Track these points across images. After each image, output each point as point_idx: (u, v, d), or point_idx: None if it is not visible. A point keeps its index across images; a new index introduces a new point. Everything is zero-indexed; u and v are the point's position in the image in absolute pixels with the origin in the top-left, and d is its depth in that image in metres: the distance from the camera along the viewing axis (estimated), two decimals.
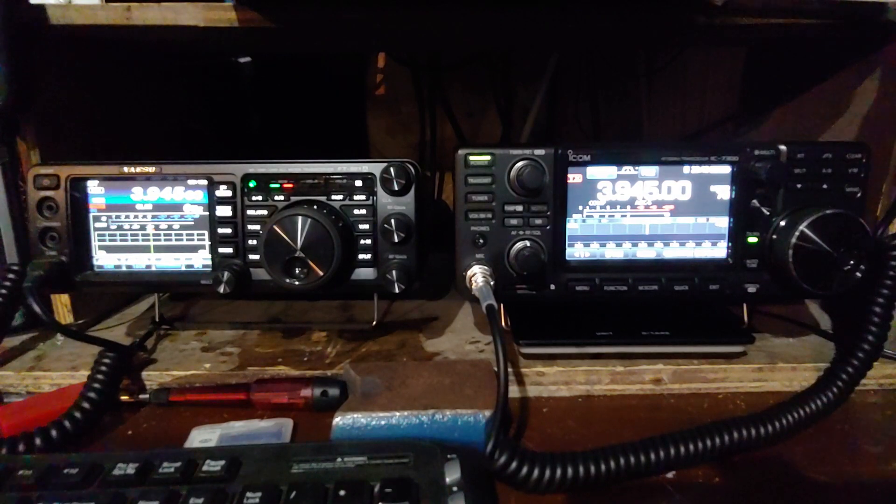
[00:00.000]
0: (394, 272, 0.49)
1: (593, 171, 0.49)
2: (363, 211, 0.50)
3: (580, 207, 0.49)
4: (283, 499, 0.32)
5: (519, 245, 0.48)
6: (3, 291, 0.50)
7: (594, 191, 0.49)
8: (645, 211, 0.50)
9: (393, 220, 0.49)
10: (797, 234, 0.46)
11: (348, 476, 0.33)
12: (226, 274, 0.49)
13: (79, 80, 0.60)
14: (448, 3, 0.51)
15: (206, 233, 0.52)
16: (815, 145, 0.48)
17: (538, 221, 0.49)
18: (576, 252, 0.50)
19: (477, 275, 0.48)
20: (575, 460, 0.37)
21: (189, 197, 0.51)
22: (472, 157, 0.48)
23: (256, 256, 0.50)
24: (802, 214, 0.47)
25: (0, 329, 0.51)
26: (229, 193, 0.50)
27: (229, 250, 0.51)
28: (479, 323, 0.60)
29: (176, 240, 0.52)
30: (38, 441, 0.41)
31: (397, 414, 0.40)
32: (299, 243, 0.47)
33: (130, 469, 0.34)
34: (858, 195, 0.48)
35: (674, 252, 0.50)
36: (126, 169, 0.51)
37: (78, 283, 0.51)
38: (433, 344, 0.55)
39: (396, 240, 0.49)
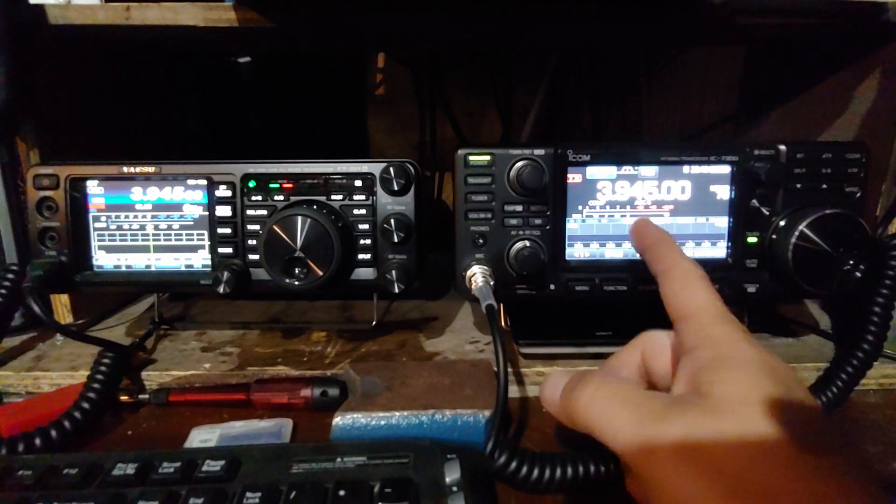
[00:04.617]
0: (393, 272, 0.49)
1: (593, 171, 0.49)
2: (363, 211, 0.50)
3: (580, 207, 0.49)
4: (282, 499, 0.32)
5: (519, 245, 0.48)
6: (3, 291, 0.50)
7: (594, 191, 0.49)
8: (644, 211, 0.50)
9: (393, 220, 0.49)
10: (797, 233, 0.46)
11: (348, 476, 0.33)
12: (225, 274, 0.49)
13: (79, 80, 0.60)
14: (448, 4, 0.51)
15: (205, 233, 0.51)
16: (814, 145, 0.48)
17: (538, 221, 0.49)
18: (575, 252, 0.50)
19: (477, 275, 0.48)
20: (574, 460, 0.37)
21: (189, 197, 0.51)
22: (471, 157, 0.48)
23: (256, 256, 0.50)
24: (802, 214, 0.47)
25: (0, 329, 0.51)
26: (229, 193, 0.50)
27: (229, 250, 0.51)
28: (479, 323, 0.60)
29: (176, 240, 0.52)
30: (37, 441, 0.41)
31: (397, 414, 0.40)
32: (299, 243, 0.47)
33: (130, 469, 0.34)
34: (858, 195, 0.48)
35: None
36: (126, 169, 0.51)
37: (78, 283, 0.51)
38: (433, 344, 0.55)
39: (396, 240, 0.49)
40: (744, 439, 0.25)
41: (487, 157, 0.48)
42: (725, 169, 0.49)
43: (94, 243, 0.52)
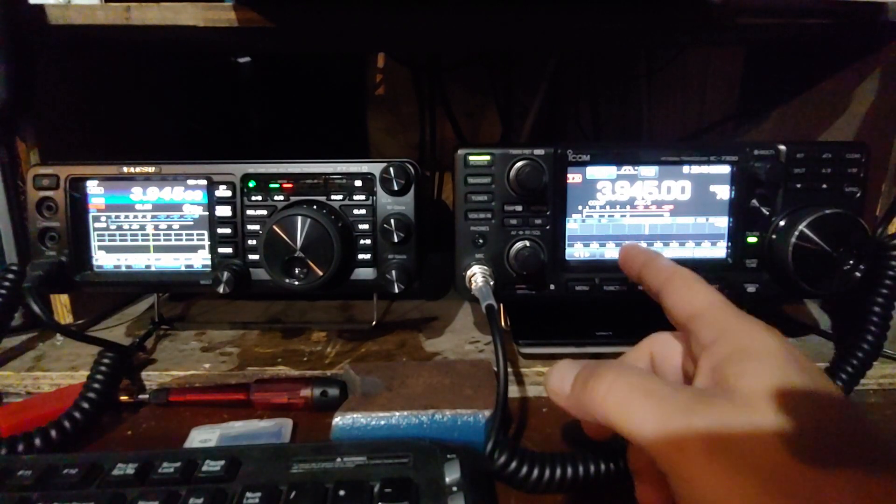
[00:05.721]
0: (393, 272, 0.49)
1: (593, 171, 0.49)
2: (363, 211, 0.50)
3: (580, 207, 0.49)
4: (282, 499, 0.32)
5: (518, 245, 0.48)
6: (3, 291, 0.50)
7: (594, 191, 0.49)
8: (644, 211, 0.50)
9: (392, 220, 0.49)
10: (797, 233, 0.46)
11: (348, 476, 0.33)
12: (225, 274, 0.49)
13: (79, 80, 0.60)
14: (448, 4, 0.51)
15: (205, 233, 0.51)
16: (814, 145, 0.48)
17: (538, 221, 0.49)
18: (575, 252, 0.50)
19: (477, 275, 0.48)
20: (574, 460, 0.37)
21: (189, 197, 0.51)
22: (471, 157, 0.48)
23: (256, 256, 0.50)
24: (802, 214, 0.47)
25: (0, 329, 0.51)
26: (229, 193, 0.50)
27: (229, 250, 0.51)
28: (479, 323, 0.60)
29: (175, 240, 0.52)
30: (37, 441, 0.41)
31: (397, 414, 0.40)
32: (299, 243, 0.47)
33: (130, 469, 0.34)
34: (858, 195, 0.48)
35: (673, 252, 0.50)
36: (126, 169, 0.51)
37: (78, 283, 0.51)
38: (433, 344, 0.55)
39: (396, 240, 0.49)
40: (778, 433, 0.24)
41: (487, 157, 0.48)
42: (725, 169, 0.49)
43: (94, 243, 0.52)
